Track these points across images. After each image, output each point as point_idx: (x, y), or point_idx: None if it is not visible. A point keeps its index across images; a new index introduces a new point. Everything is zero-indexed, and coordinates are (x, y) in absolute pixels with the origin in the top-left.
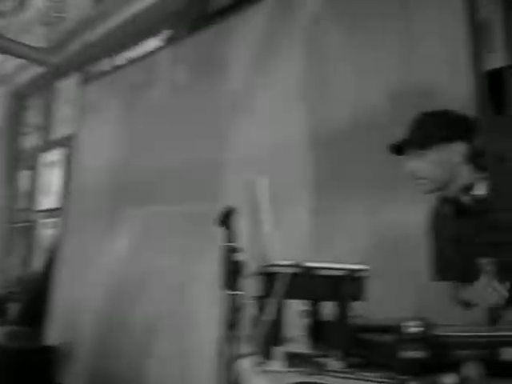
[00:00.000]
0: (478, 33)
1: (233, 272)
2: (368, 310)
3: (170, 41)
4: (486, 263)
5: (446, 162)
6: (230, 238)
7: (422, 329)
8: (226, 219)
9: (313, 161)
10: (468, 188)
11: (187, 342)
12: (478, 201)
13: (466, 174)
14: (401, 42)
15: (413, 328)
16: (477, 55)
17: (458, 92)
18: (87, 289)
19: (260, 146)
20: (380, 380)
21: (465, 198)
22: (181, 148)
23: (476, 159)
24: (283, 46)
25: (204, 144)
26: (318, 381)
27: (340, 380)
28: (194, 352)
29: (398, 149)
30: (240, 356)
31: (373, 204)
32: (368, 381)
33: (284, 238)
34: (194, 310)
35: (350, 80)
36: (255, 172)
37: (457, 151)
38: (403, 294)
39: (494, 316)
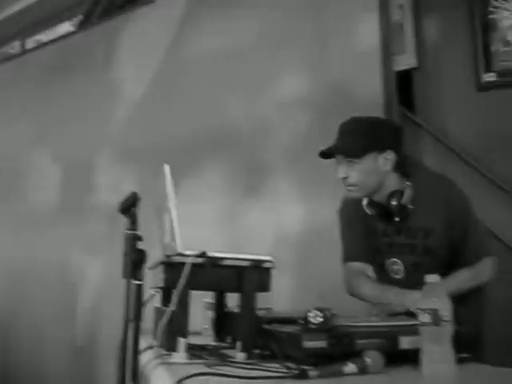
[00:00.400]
0: (389, 35)
1: (136, 261)
2: (278, 301)
3: (82, 26)
4: (392, 262)
5: (376, 170)
6: (133, 225)
7: (323, 319)
8: (129, 206)
9: (226, 157)
10: (396, 195)
11: (86, 332)
12: (403, 208)
13: (392, 181)
14: (314, 42)
15: (314, 319)
16: (387, 56)
17: (369, 91)
18: None
19: (160, 136)
20: (281, 370)
21: (391, 205)
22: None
23: (402, 167)
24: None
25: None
26: (217, 371)
27: (240, 370)
28: (96, 343)
29: (328, 154)
30: (143, 348)
31: (280, 200)
32: (269, 371)
33: (192, 230)
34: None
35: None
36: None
37: (387, 160)
38: (311, 286)
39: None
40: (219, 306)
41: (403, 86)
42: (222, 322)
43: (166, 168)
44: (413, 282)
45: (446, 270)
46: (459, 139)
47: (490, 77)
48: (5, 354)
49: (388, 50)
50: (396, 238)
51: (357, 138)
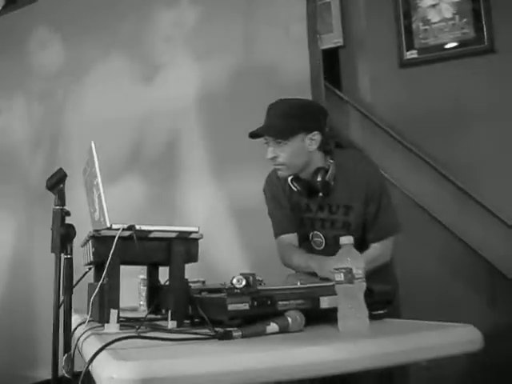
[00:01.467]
0: (316, 14)
1: (64, 236)
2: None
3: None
4: (314, 235)
5: (303, 150)
6: (61, 201)
7: (246, 284)
8: (56, 183)
9: (155, 136)
10: (321, 172)
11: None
12: (326, 184)
13: (317, 159)
14: (241, 20)
15: (238, 283)
16: (314, 35)
17: (296, 68)
18: None
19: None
20: (206, 333)
21: (316, 181)
22: None
23: (326, 145)
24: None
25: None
26: (143, 335)
27: (169, 336)
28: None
29: (256, 135)
30: (78, 322)
31: (217, 175)
32: (195, 334)
33: (121, 205)
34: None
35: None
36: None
37: (313, 140)
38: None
39: None
40: (152, 280)
41: (330, 63)
42: (155, 296)
43: (92, 145)
44: (332, 253)
45: (360, 245)
46: (384, 114)
47: (411, 54)
48: None
49: (315, 29)
50: (318, 213)
51: (285, 120)
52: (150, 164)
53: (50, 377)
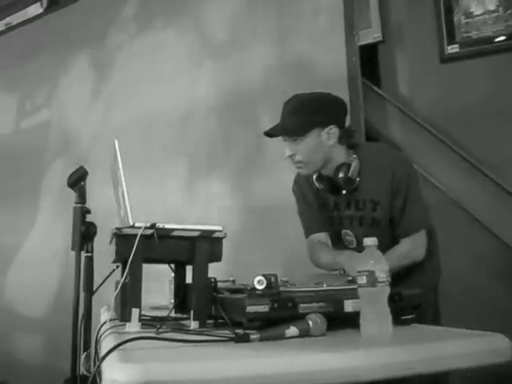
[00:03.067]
0: (354, 9)
1: (85, 234)
2: (240, 272)
3: (50, 8)
4: (345, 233)
5: (321, 145)
6: (82, 199)
7: (267, 285)
8: (77, 180)
9: (187, 134)
10: (343, 168)
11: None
12: (350, 180)
13: (339, 154)
14: (279, 17)
15: (259, 284)
16: (352, 30)
17: (333, 65)
18: None
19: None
20: (224, 335)
21: (339, 178)
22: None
23: (348, 140)
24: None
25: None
26: (156, 336)
27: (188, 336)
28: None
29: (273, 134)
30: (103, 320)
31: (243, 176)
32: (214, 336)
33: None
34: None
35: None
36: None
37: (331, 134)
38: (272, 255)
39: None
40: (178, 279)
41: (368, 59)
42: (182, 295)
43: (116, 143)
44: None
45: (390, 241)
46: (424, 111)
47: (453, 48)
48: None
49: (352, 25)
50: (346, 210)
51: (298, 117)
52: (182, 162)
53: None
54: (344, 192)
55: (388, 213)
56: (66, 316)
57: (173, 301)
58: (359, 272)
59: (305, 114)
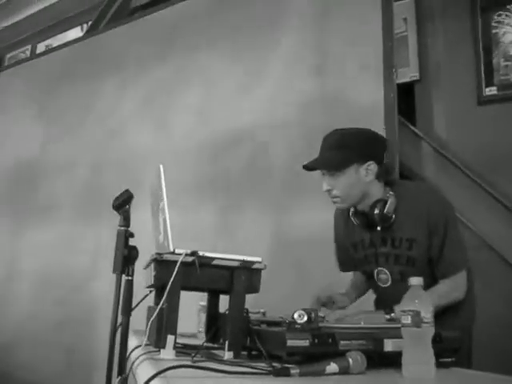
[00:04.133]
0: (392, 48)
1: (127, 257)
2: (270, 303)
3: (90, 32)
4: (379, 271)
5: (359, 181)
6: (126, 222)
7: (307, 320)
8: (123, 203)
9: (221, 164)
10: (379, 204)
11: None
12: (386, 217)
13: (376, 190)
14: (318, 53)
15: (299, 319)
16: (390, 67)
17: (370, 102)
18: None
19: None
20: (262, 368)
21: (374, 214)
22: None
23: (386, 176)
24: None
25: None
26: (197, 365)
27: (224, 367)
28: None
29: (311, 167)
30: (135, 345)
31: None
32: (252, 368)
33: (188, 230)
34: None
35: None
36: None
37: (369, 171)
38: (302, 285)
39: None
40: (212, 307)
41: (405, 98)
42: (214, 324)
43: (161, 168)
44: (399, 290)
45: (429, 280)
46: (459, 152)
47: (491, 91)
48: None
49: (392, 62)
50: (382, 247)
51: (337, 151)
52: (217, 190)
53: None
54: (379, 228)
55: (425, 252)
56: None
57: (201, 329)
58: (404, 311)
59: (344, 149)
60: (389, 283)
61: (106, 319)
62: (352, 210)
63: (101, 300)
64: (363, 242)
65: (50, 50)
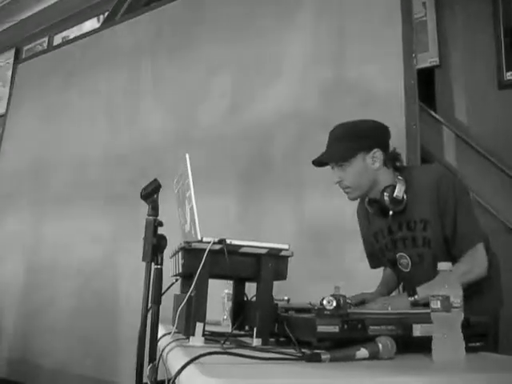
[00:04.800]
0: (412, 33)
1: (156, 246)
2: (294, 289)
3: (107, 23)
4: (399, 256)
5: (367, 169)
6: (154, 211)
7: (337, 306)
8: (151, 192)
9: (244, 152)
10: (387, 189)
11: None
12: (396, 201)
13: (385, 177)
14: (337, 39)
15: (329, 305)
16: (410, 54)
17: (390, 88)
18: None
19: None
20: (293, 354)
21: (384, 199)
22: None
23: (393, 162)
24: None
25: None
26: (231, 351)
27: (255, 354)
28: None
29: (321, 162)
30: (163, 333)
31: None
32: (283, 354)
33: (213, 219)
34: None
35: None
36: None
37: (375, 158)
38: (321, 273)
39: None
40: (238, 295)
41: (425, 83)
42: (241, 311)
43: (187, 157)
44: (418, 274)
45: (448, 259)
46: (480, 137)
47: None
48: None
49: (411, 47)
50: (398, 232)
51: (342, 143)
52: (238, 179)
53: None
54: (392, 213)
55: (440, 231)
56: (94, 321)
57: (225, 317)
58: (433, 296)
59: (349, 140)
60: (409, 267)
61: (127, 307)
62: (366, 200)
63: (120, 289)
64: (382, 230)
65: (66, 42)
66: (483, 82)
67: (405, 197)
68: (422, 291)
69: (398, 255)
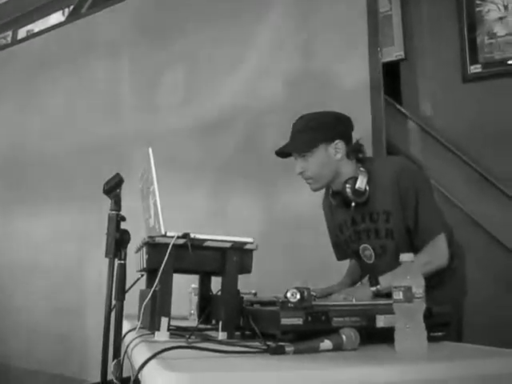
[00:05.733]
0: (377, 27)
1: (119, 241)
2: (260, 284)
3: (72, 16)
4: (363, 248)
5: (329, 160)
6: (117, 206)
7: (300, 298)
8: (114, 187)
9: (209, 145)
10: (350, 181)
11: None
12: (358, 192)
13: (348, 168)
14: (303, 31)
15: (292, 297)
16: (375, 46)
17: (356, 81)
18: None
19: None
20: (258, 347)
21: (346, 191)
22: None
23: (356, 154)
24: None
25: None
26: (195, 346)
27: (220, 347)
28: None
29: (284, 153)
30: (128, 329)
31: (266, 187)
32: (247, 347)
33: (180, 215)
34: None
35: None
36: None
37: (337, 149)
38: (293, 266)
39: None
40: (204, 289)
41: (391, 77)
42: (207, 306)
43: (150, 151)
44: (382, 265)
45: (411, 251)
46: (445, 129)
47: (475, 68)
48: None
49: (377, 40)
50: (361, 224)
51: (305, 134)
52: (204, 174)
53: (97, 380)
54: (355, 205)
55: (402, 223)
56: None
57: (192, 311)
58: (396, 287)
59: (311, 130)
60: (373, 259)
61: (98, 305)
62: (330, 192)
63: (92, 286)
64: (346, 222)
65: (31, 36)
66: (448, 75)
67: (367, 188)
68: (384, 281)
69: (361, 247)
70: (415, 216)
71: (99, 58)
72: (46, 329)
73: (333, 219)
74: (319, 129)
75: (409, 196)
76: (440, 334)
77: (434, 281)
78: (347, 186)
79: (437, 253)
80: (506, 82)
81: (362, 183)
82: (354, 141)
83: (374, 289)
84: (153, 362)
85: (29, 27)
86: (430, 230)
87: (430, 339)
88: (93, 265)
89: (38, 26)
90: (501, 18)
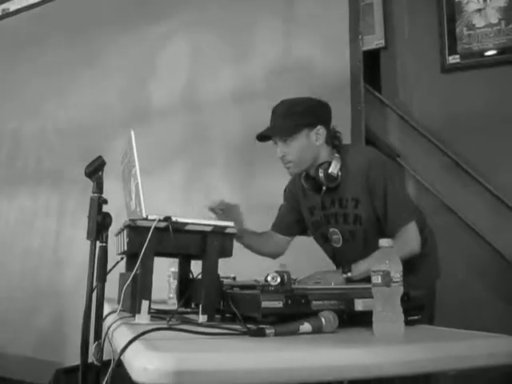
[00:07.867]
0: (358, 15)
1: (100, 224)
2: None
3: None
4: (332, 232)
5: (310, 145)
6: (99, 189)
7: (281, 282)
8: (95, 170)
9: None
10: (323, 166)
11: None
12: (330, 177)
13: (325, 154)
14: (284, 20)
15: (273, 281)
16: (356, 35)
17: (336, 69)
18: None
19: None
20: (238, 329)
21: (319, 175)
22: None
23: (334, 140)
24: None
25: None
26: (176, 327)
27: (201, 330)
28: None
29: (264, 137)
30: (108, 311)
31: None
32: (228, 329)
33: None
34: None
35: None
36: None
37: (319, 135)
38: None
39: None
40: (183, 273)
41: (370, 65)
42: (187, 289)
43: (132, 134)
44: (349, 250)
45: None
46: (423, 118)
47: (454, 59)
48: None
49: (358, 30)
50: (331, 208)
51: (288, 119)
52: (185, 158)
53: (77, 363)
54: (325, 189)
55: (372, 211)
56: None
57: (172, 295)
58: (374, 271)
59: (294, 115)
60: (340, 243)
61: (78, 288)
62: (303, 174)
63: (70, 272)
64: (317, 205)
65: (6, 15)
66: (427, 65)
67: (339, 174)
68: (356, 269)
69: (330, 230)
70: (384, 206)
71: (76, 36)
72: (22, 312)
73: (305, 201)
74: (302, 114)
75: (377, 187)
76: (416, 317)
77: (407, 267)
78: (320, 170)
79: (407, 241)
80: (483, 73)
81: (334, 168)
82: (331, 127)
83: (345, 276)
84: (136, 343)
85: (4, 5)
86: (399, 220)
87: (407, 323)
88: (71, 249)
89: (14, 3)
90: (479, 10)
